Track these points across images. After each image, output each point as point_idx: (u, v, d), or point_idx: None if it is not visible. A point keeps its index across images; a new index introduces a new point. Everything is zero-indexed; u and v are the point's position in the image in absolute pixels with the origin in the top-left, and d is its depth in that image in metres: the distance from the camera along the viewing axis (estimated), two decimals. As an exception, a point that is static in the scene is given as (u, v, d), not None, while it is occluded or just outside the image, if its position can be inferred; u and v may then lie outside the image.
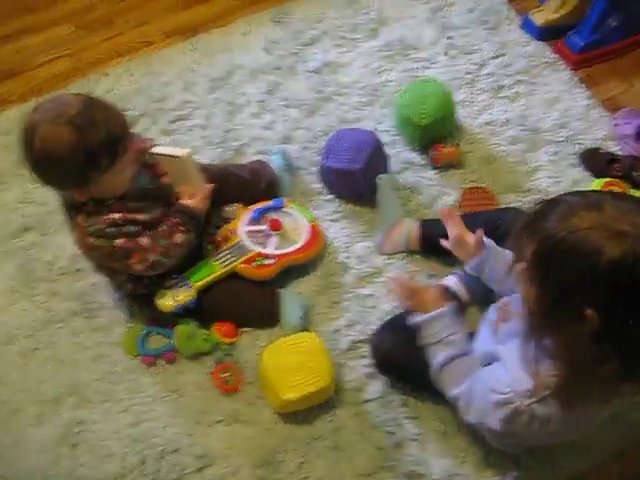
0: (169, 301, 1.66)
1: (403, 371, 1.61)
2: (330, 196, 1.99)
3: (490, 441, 1.45)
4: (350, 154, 1.86)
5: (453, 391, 1.41)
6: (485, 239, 1.54)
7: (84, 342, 1.77)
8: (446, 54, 2.32)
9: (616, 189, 1.92)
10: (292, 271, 1.82)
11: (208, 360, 1.72)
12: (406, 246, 1.84)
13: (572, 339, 1.08)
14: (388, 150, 2.00)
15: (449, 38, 2.36)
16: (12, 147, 1.66)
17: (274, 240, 1.79)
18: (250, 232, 1.79)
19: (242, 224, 1.80)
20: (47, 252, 1.92)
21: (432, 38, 2.36)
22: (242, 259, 1.74)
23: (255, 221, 1.82)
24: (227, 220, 1.82)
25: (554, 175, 2.02)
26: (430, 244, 1.77)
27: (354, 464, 1.59)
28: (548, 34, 2.33)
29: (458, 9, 2.44)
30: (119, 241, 1.54)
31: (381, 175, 1.90)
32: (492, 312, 1.47)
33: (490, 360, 1.34)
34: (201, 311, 1.72)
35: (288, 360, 1.60)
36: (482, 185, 1.98)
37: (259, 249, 1.76)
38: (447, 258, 1.75)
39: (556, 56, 2.30)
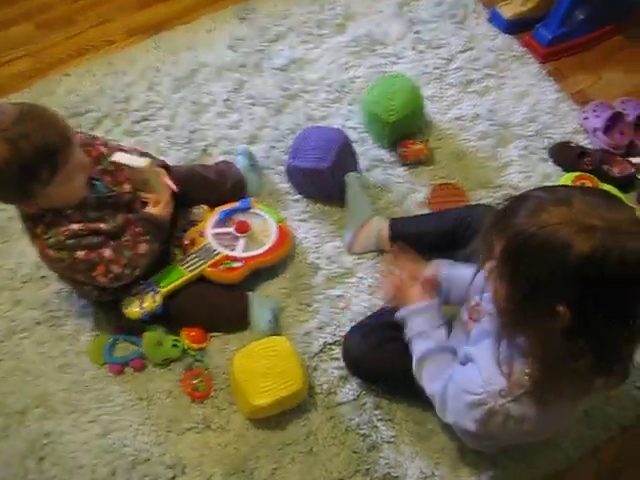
0: (135, 308, 1.63)
1: (375, 373, 1.59)
2: (298, 196, 1.97)
3: (466, 441, 1.44)
4: (317, 153, 1.83)
5: (431, 387, 1.39)
6: (442, 268, 1.51)
7: (49, 351, 1.73)
8: (414, 49, 2.30)
9: (587, 183, 1.92)
10: (261, 273, 1.80)
11: (178, 367, 1.69)
12: (376, 245, 1.83)
13: (544, 335, 1.08)
14: (357, 147, 1.98)
15: (416, 33, 2.34)
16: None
17: (241, 242, 1.76)
18: (217, 234, 1.77)
19: (209, 226, 1.78)
20: (9, 259, 1.87)
21: (399, 33, 2.34)
22: (209, 262, 1.71)
23: (221, 223, 1.79)
24: (194, 222, 1.80)
25: (524, 170, 2.02)
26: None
27: (329, 468, 1.57)
28: (516, 27, 2.33)
29: (425, 3, 2.42)
30: (80, 253, 1.50)
31: (349, 173, 1.88)
32: (464, 312, 1.46)
33: (464, 361, 1.32)
34: (169, 317, 1.69)
35: (258, 365, 1.57)
36: (452, 181, 1.97)
37: (226, 252, 1.73)
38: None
39: (524, 49, 2.31)
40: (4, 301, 1.81)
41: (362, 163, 2.00)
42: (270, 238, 1.79)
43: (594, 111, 2.11)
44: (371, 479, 1.56)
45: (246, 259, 1.74)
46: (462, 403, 1.25)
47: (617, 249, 0.96)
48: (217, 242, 1.75)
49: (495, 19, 2.36)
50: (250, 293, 1.75)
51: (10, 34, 2.42)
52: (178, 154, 2.05)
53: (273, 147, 2.06)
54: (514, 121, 2.12)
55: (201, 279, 1.71)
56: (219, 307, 1.71)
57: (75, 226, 1.49)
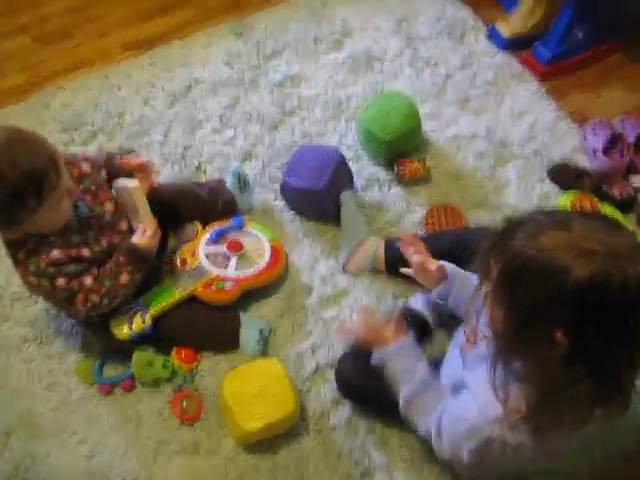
0: (124, 329, 1.61)
1: (368, 398, 1.57)
2: (292, 213, 1.94)
3: (461, 472, 1.40)
4: (313, 172, 1.81)
5: (426, 421, 1.36)
6: (449, 266, 1.51)
7: (37, 370, 1.71)
8: (411, 65, 2.28)
9: (586, 203, 1.90)
10: (253, 293, 1.77)
11: (167, 388, 1.67)
12: (372, 265, 1.80)
13: (542, 361, 1.06)
14: (352, 166, 1.96)
15: (414, 49, 2.32)
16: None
17: (234, 262, 1.74)
18: (209, 254, 1.74)
19: (201, 246, 1.75)
20: (-2, 277, 1.85)
21: (397, 50, 2.32)
22: (201, 283, 1.68)
23: (213, 242, 1.76)
24: (186, 241, 1.77)
25: (523, 190, 2.00)
26: (394, 265, 1.72)
27: (320, 495, 1.53)
28: (515, 45, 2.32)
29: (424, 20, 2.41)
30: (61, 281, 1.48)
31: (345, 192, 1.85)
32: (460, 335, 1.44)
33: (459, 387, 1.30)
34: (159, 337, 1.66)
35: (249, 388, 1.54)
36: (449, 203, 1.94)
37: (218, 272, 1.71)
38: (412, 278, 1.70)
39: (523, 67, 2.29)
40: (-8, 319, 1.78)
41: (358, 182, 1.98)
42: (263, 257, 1.76)
43: (593, 129, 2.09)
44: (363, 506, 1.52)
45: (238, 280, 1.71)
46: (458, 432, 1.23)
47: (618, 274, 0.95)
48: (209, 262, 1.72)
49: (494, 36, 2.34)
50: (241, 313, 1.72)
51: (6, 47, 2.40)
52: (172, 171, 2.03)
53: (268, 164, 2.04)
54: (512, 140, 2.10)
55: (192, 298, 1.68)
56: (210, 328, 1.68)
57: (56, 252, 1.47)
